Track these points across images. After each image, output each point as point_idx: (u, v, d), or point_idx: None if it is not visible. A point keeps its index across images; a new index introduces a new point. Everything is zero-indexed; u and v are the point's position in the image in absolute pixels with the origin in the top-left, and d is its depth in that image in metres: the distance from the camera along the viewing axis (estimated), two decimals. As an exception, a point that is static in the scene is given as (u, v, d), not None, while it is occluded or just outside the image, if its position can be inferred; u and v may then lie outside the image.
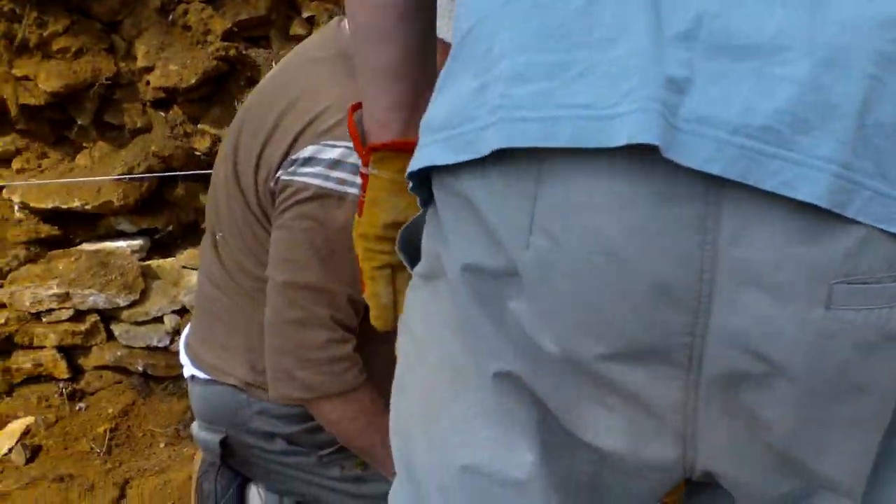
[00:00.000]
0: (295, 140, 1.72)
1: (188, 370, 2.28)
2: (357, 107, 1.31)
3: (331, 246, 1.69)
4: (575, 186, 0.78)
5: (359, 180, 1.45)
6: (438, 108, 0.92)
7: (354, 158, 1.60)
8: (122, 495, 3.06)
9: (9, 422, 3.36)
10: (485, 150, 0.81)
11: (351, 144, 1.53)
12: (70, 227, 3.66)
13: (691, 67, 0.74)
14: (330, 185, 1.65)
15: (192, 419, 3.36)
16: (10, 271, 3.39)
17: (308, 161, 1.66)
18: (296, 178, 1.68)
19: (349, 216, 1.57)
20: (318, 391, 1.78)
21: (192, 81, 3.46)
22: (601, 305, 0.80)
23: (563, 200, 0.79)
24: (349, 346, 1.80)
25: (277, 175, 1.76)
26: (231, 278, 2.05)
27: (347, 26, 1.76)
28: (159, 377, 3.42)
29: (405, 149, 1.12)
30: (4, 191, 3.61)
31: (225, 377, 2.11)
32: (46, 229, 3.61)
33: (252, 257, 1.96)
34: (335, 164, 1.65)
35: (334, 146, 1.64)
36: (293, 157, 1.68)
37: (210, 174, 3.64)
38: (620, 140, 0.73)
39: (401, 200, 1.22)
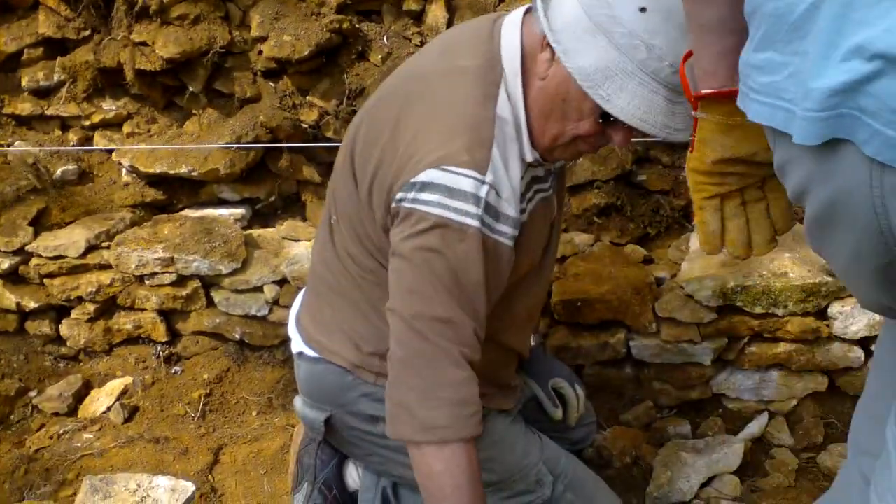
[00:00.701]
0: (417, 159, 1.65)
1: (296, 346, 2.26)
2: (688, 56, 1.45)
3: (454, 277, 1.63)
4: None
5: (476, 210, 1.60)
6: None
7: (475, 188, 1.61)
8: (216, 461, 3.05)
9: (108, 381, 3.39)
10: None
11: (472, 173, 1.61)
12: (174, 192, 3.69)
13: None
14: (450, 215, 1.61)
15: (284, 389, 3.36)
16: (116, 233, 3.41)
17: (427, 186, 1.61)
18: (416, 206, 1.63)
19: (470, 249, 1.61)
20: (439, 434, 1.66)
21: (305, 53, 3.43)
22: None
23: None
24: (475, 387, 1.70)
25: (395, 193, 1.70)
26: (341, 262, 2.02)
27: (503, 32, 1.75)
28: (255, 346, 3.41)
29: (730, 95, 1.28)
30: (114, 154, 3.66)
31: (332, 356, 2.08)
32: (152, 193, 3.64)
33: (361, 247, 1.92)
34: (454, 192, 1.60)
35: (456, 174, 1.60)
36: (413, 179, 1.63)
37: (315, 147, 3.67)
38: None
39: (727, 139, 1.38)
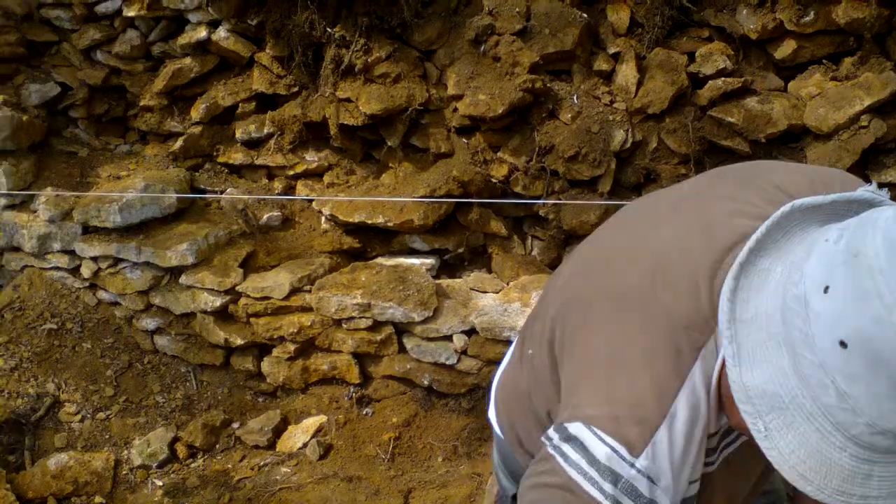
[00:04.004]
0: (576, 402, 1.45)
1: (491, 413, 2.32)
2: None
3: None
4: None
5: (612, 489, 1.32)
6: None
7: (618, 466, 1.34)
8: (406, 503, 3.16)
9: (303, 418, 3.58)
10: None
11: (620, 449, 1.33)
12: (369, 240, 3.88)
13: None
14: (582, 483, 1.38)
15: (469, 438, 3.46)
16: (316, 278, 3.61)
17: (572, 440, 1.40)
18: (555, 455, 1.41)
19: None
20: None
21: (499, 111, 3.57)
22: None
23: None
24: None
25: (552, 419, 1.58)
26: (518, 385, 2.03)
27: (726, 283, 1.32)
28: (442, 393, 3.53)
29: None
30: (315, 202, 3.89)
31: (512, 446, 2.12)
32: (348, 241, 3.84)
33: (538, 394, 1.88)
34: (595, 461, 1.37)
35: (602, 441, 1.36)
36: (564, 423, 1.42)
37: (504, 202, 3.78)
38: None
39: None
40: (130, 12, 3.89)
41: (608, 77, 3.81)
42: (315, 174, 3.98)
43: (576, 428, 1.37)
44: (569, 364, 1.51)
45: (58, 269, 3.86)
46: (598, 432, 1.34)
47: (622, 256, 1.58)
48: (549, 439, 1.43)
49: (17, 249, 3.90)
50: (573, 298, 1.63)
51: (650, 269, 1.46)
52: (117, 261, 3.71)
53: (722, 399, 1.36)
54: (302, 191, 3.99)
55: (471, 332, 3.46)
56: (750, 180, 1.56)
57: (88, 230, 3.77)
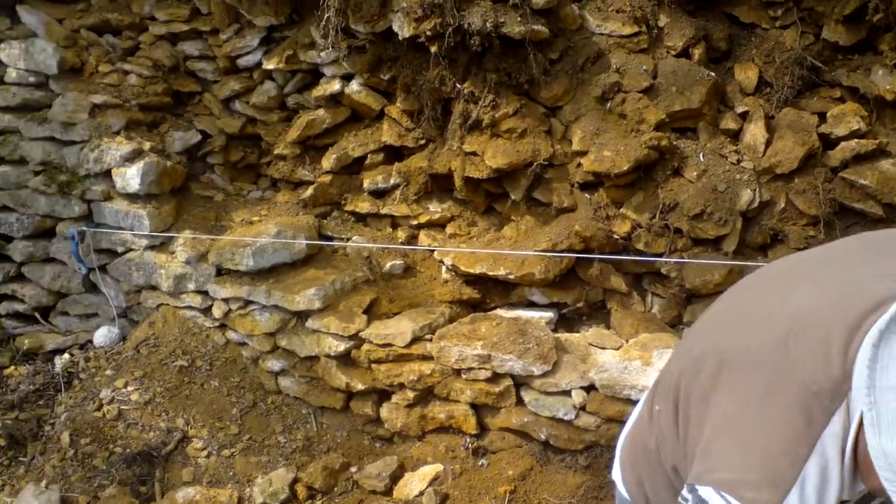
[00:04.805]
0: (708, 467, 1.47)
1: (616, 473, 2.30)
2: None
3: None
4: None
5: None
6: None
7: None
8: (522, 559, 3.15)
9: (419, 465, 3.62)
10: None
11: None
12: (488, 291, 3.93)
13: None
14: None
15: (585, 496, 3.42)
16: (437, 327, 3.67)
17: (703, 503, 1.42)
18: None
19: None
20: None
21: (624, 168, 3.58)
22: None
23: None
24: None
25: (678, 475, 1.63)
26: (647, 443, 2.02)
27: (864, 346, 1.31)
28: (559, 448, 3.51)
29: None
30: (436, 253, 3.97)
31: (638, 502, 2.10)
32: (468, 292, 3.89)
33: (665, 449, 1.82)
34: None
35: None
36: (696, 484, 1.45)
37: (625, 259, 3.78)
38: None
39: None
40: (269, 65, 4.10)
41: (735, 136, 3.78)
42: (438, 224, 4.07)
43: (706, 492, 1.39)
44: (699, 424, 1.52)
45: (191, 308, 4.05)
46: (728, 497, 1.36)
47: (755, 318, 1.59)
48: (685, 500, 1.45)
49: (154, 288, 4.11)
50: (703, 357, 1.64)
51: (784, 333, 1.45)
52: (247, 303, 3.86)
53: (858, 465, 1.34)
54: (424, 240, 4.08)
55: (590, 389, 3.45)
56: (887, 245, 1.56)
57: (221, 272, 3.95)
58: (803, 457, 1.35)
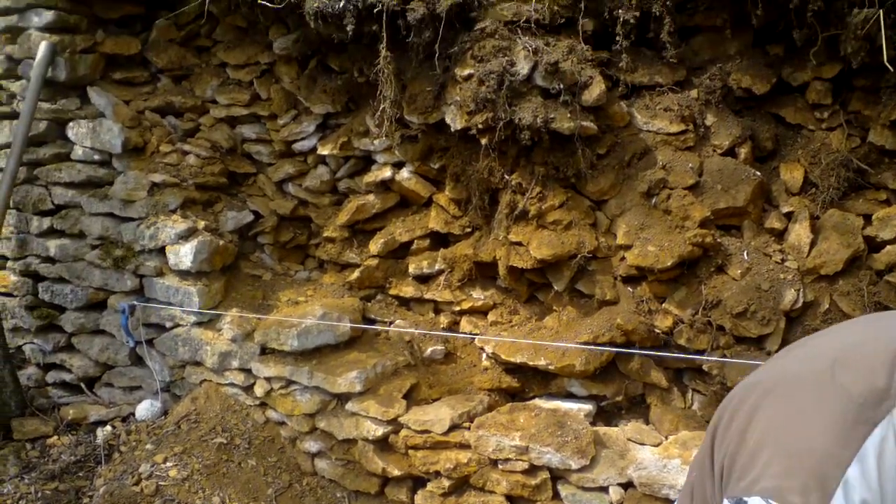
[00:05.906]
0: (754, 477, 1.50)
1: None
2: None
3: None
4: None
5: None
6: None
7: None
8: None
9: (452, 556, 3.57)
10: None
11: None
12: (527, 381, 3.93)
13: None
14: None
15: None
16: (475, 415, 3.67)
17: None
18: None
19: None
20: None
21: (668, 264, 3.60)
22: None
23: None
24: None
25: (728, 493, 1.65)
26: None
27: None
28: (595, 546, 3.45)
29: None
30: (477, 340, 3.99)
31: None
32: (508, 380, 3.90)
33: (699, 496, 1.88)
34: None
35: None
36: (743, 497, 1.48)
37: (667, 355, 3.77)
38: None
39: None
40: (324, 151, 4.23)
41: (780, 235, 3.79)
42: (480, 311, 4.11)
43: (755, 502, 1.41)
44: (739, 442, 1.55)
45: (233, 385, 4.10)
46: None
47: (800, 355, 1.68)
48: None
49: (198, 364, 4.18)
50: (745, 392, 1.68)
51: (829, 363, 1.53)
52: (289, 382, 3.91)
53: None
54: (466, 327, 4.11)
55: (627, 486, 3.40)
56: None
57: (266, 351, 4.01)
58: (847, 461, 1.40)
